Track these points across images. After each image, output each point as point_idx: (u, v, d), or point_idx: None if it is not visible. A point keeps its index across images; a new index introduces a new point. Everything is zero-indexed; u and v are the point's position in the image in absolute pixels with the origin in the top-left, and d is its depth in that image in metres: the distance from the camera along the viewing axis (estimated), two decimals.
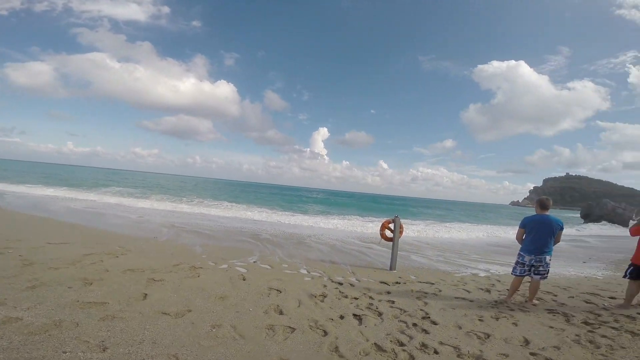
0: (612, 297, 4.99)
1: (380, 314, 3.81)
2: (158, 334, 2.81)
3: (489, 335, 3.32)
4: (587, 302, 4.72)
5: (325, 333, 3.16)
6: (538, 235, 4.48)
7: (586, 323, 3.79)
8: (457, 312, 4.04)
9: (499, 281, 6.03)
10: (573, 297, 4.99)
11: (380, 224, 7.04)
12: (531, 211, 4.61)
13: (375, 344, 3.00)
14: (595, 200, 47.76)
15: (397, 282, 5.47)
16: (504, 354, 2.91)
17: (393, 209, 43.41)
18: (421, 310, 4.05)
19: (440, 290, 5.11)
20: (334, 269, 6.24)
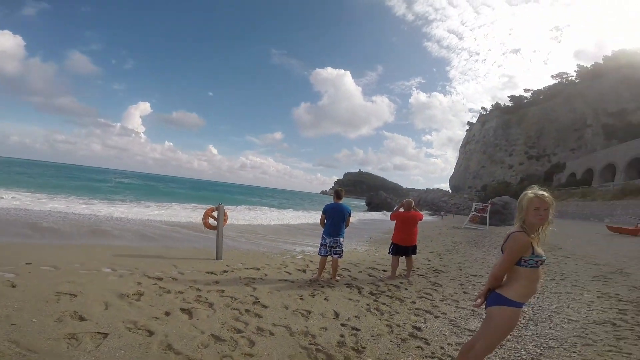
0: (385, 270, 6.63)
1: (211, 305, 3.73)
2: None
3: (309, 312, 3.82)
4: (370, 276, 6.12)
5: (151, 333, 2.84)
6: (334, 221, 5.42)
7: (371, 293, 4.92)
8: (283, 294, 4.43)
9: (312, 262, 6.95)
10: (361, 272, 6.35)
11: (204, 212, 6.80)
12: (330, 199, 5.64)
13: (212, 335, 2.94)
14: (375, 192, 63.24)
15: (224, 271, 5.43)
16: (323, 328, 3.43)
17: (218, 196, 42.50)
18: (251, 295, 4.21)
19: (266, 275, 5.43)
20: (150, 263, 5.51)
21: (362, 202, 65.13)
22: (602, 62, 74.54)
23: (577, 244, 13.10)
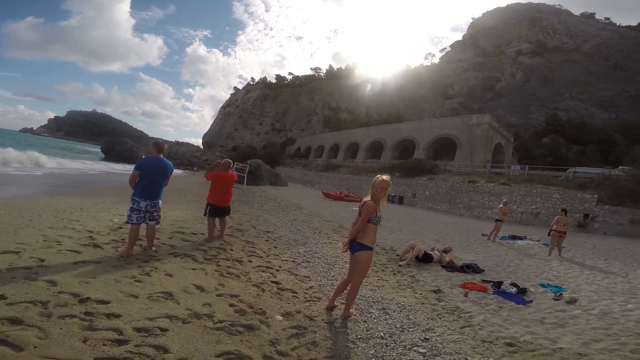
0: (194, 233, 6.30)
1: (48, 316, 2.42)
2: None
3: (170, 294, 3.23)
4: (185, 241, 5.63)
5: None
6: (155, 179, 4.56)
7: (207, 259, 4.71)
8: (106, 280, 3.36)
9: (92, 232, 5.27)
10: (171, 238, 5.68)
11: None
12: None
13: None
14: (114, 137, 54.18)
15: None
16: (207, 304, 3.13)
17: None
18: (60, 293, 2.87)
19: (43, 260, 3.67)
20: None
21: (96, 149, 53.55)
22: (343, 68, 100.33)
23: (310, 204, 17.52)
